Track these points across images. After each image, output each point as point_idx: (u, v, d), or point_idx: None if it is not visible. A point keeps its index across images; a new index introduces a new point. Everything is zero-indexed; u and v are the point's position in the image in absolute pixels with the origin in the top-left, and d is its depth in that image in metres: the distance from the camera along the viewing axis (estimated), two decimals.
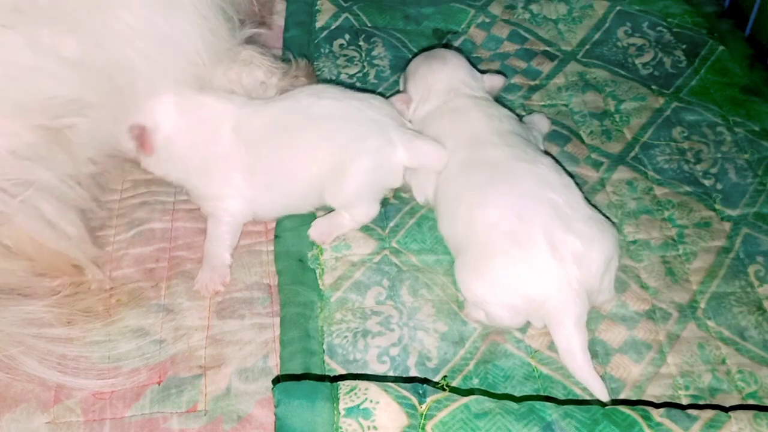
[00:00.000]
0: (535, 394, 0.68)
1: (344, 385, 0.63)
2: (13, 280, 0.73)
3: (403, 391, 0.63)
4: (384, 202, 0.83)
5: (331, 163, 0.78)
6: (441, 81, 0.85)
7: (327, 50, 1.02)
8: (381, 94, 0.93)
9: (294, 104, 0.81)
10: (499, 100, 0.95)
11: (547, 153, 0.82)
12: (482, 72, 0.90)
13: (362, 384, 0.63)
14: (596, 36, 1.05)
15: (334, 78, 0.98)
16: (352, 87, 0.97)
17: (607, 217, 0.76)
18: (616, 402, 0.67)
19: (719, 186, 0.86)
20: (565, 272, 0.67)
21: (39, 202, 0.71)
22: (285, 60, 0.93)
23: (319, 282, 0.77)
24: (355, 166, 0.78)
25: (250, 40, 0.90)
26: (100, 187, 0.81)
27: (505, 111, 0.84)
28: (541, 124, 0.90)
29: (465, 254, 0.73)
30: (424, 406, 0.62)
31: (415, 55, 0.94)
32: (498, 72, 0.96)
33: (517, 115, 0.86)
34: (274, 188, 0.81)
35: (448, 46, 1.03)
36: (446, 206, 0.77)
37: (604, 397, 0.66)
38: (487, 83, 0.89)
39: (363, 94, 0.84)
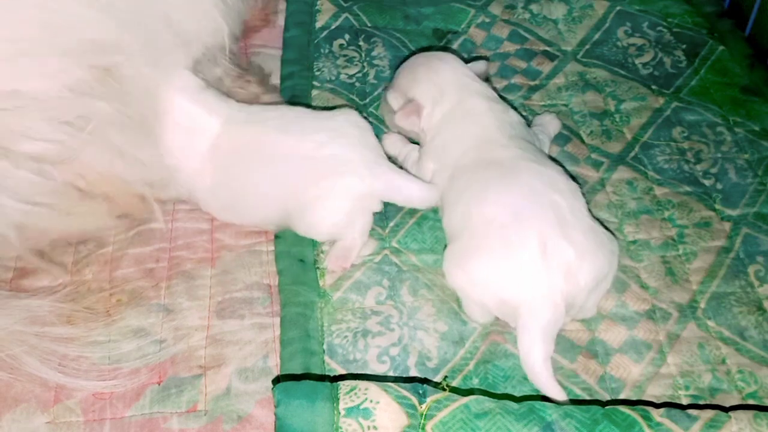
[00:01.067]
0: (535, 394, 0.68)
1: (344, 385, 0.63)
2: (92, 225, 0.75)
3: (403, 391, 0.63)
4: (384, 203, 0.83)
5: (285, 207, 0.77)
6: (449, 80, 0.84)
7: (327, 50, 1.02)
8: (380, 95, 0.93)
9: (263, 136, 0.80)
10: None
11: (554, 160, 0.82)
12: (466, 61, 0.89)
13: (362, 384, 0.63)
14: (596, 36, 1.06)
15: (333, 78, 0.98)
16: (351, 87, 0.97)
17: (612, 233, 0.75)
18: (616, 402, 0.67)
19: (719, 186, 0.86)
20: (548, 281, 0.66)
21: (105, 133, 0.72)
22: (243, 65, 0.96)
23: (320, 282, 0.77)
24: (315, 211, 0.76)
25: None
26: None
27: (517, 117, 0.83)
28: (552, 125, 0.90)
29: (456, 242, 0.73)
30: (424, 406, 0.62)
31: (402, 63, 0.90)
32: (480, 58, 0.95)
33: (521, 114, 0.86)
34: (231, 211, 0.81)
35: (447, 46, 1.04)
36: (449, 201, 0.77)
37: (562, 398, 0.66)
38: (475, 71, 0.87)
39: (340, 118, 0.81)
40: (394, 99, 0.87)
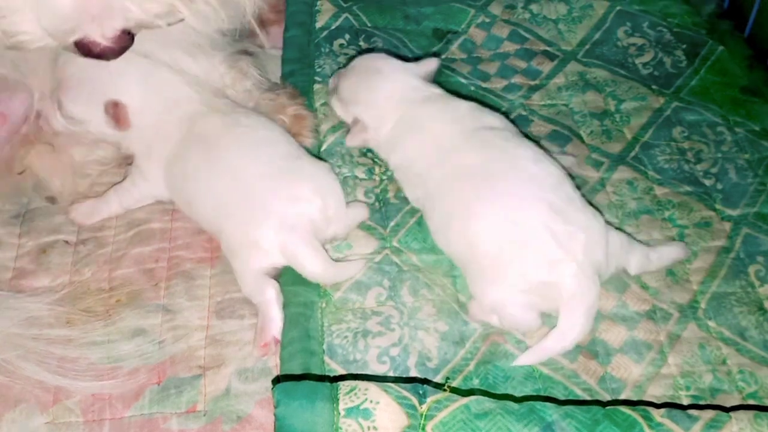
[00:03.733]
0: (535, 394, 0.68)
1: (344, 386, 0.63)
2: None
3: (403, 391, 0.63)
4: (385, 202, 0.83)
5: (217, 222, 0.76)
6: (388, 97, 0.83)
7: (327, 50, 1.02)
8: None
9: (220, 136, 0.79)
10: (500, 100, 0.96)
11: (525, 135, 0.81)
12: (415, 59, 0.88)
13: (362, 384, 0.63)
14: (596, 36, 1.05)
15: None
16: None
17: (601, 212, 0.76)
18: (616, 402, 0.67)
19: (719, 186, 0.86)
20: (575, 259, 0.68)
21: None
22: (275, 80, 0.97)
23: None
24: (234, 255, 0.75)
25: (244, 51, 0.94)
26: None
27: (464, 104, 0.82)
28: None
29: (474, 269, 0.72)
30: (424, 406, 0.62)
31: (344, 68, 0.90)
32: (434, 55, 0.94)
33: (520, 115, 0.86)
34: (183, 202, 0.81)
35: (447, 46, 1.03)
36: (438, 224, 0.76)
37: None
38: (422, 71, 0.86)
39: (313, 170, 0.78)
40: (339, 109, 0.88)
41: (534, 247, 0.68)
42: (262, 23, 1.04)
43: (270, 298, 0.73)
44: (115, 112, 0.80)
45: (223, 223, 0.76)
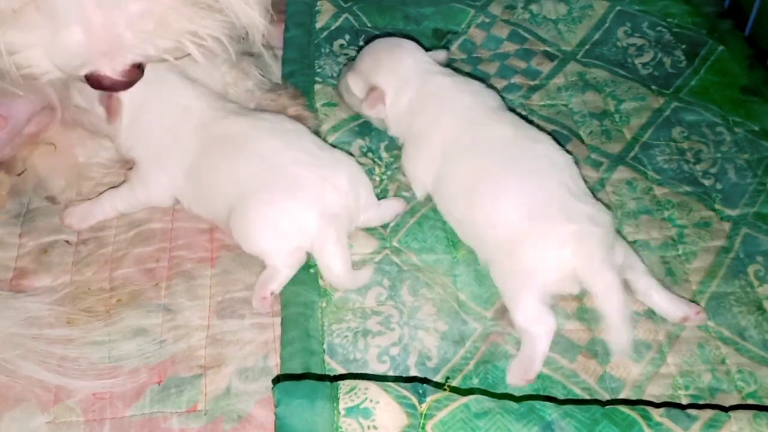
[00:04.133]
0: (534, 393, 0.68)
1: (344, 385, 0.63)
2: None
3: (403, 390, 0.63)
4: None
5: (231, 202, 0.76)
6: (410, 66, 0.85)
7: (327, 50, 1.02)
8: None
9: (252, 130, 0.79)
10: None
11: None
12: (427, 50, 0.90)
13: (362, 384, 0.63)
14: (596, 36, 1.06)
15: (335, 74, 0.98)
16: None
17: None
18: (615, 402, 0.67)
19: (719, 186, 0.86)
20: (586, 230, 0.69)
21: None
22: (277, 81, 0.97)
23: (320, 282, 0.77)
24: (251, 217, 0.75)
25: (246, 52, 0.94)
26: None
27: (479, 84, 0.85)
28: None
29: (491, 243, 0.74)
30: (424, 405, 0.62)
31: (364, 48, 0.92)
32: (442, 47, 0.96)
33: (519, 115, 0.86)
34: (200, 197, 0.81)
35: (447, 45, 1.04)
36: (456, 196, 0.77)
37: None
38: (433, 58, 0.89)
39: (341, 157, 0.80)
40: (355, 84, 0.89)
41: (549, 225, 0.70)
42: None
43: (286, 262, 0.75)
44: (109, 104, 0.80)
45: (256, 196, 0.75)
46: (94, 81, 0.61)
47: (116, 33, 0.58)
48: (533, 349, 0.69)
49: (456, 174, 0.78)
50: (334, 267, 0.74)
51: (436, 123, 0.81)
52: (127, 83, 0.62)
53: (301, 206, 0.74)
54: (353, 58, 0.93)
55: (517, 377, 0.68)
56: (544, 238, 0.70)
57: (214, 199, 0.79)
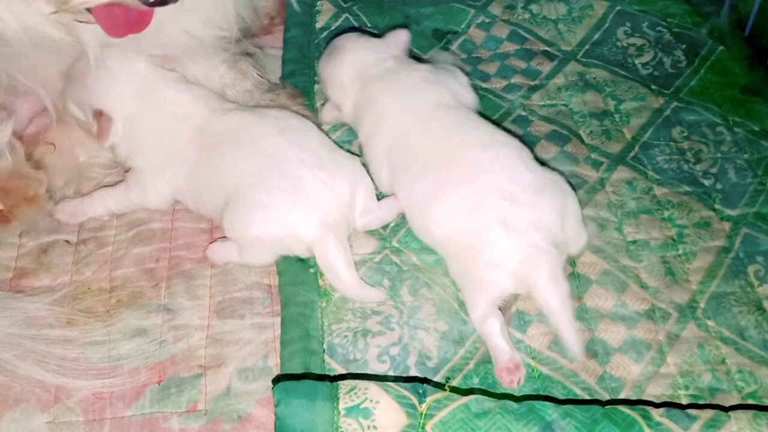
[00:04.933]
0: (534, 393, 0.68)
1: (344, 385, 0.63)
2: None
3: (403, 390, 0.63)
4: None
5: (228, 194, 0.76)
6: (346, 74, 0.86)
7: None
8: None
9: (257, 126, 0.79)
10: (500, 100, 0.96)
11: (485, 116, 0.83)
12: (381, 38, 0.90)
13: (362, 383, 0.63)
14: (596, 36, 1.06)
15: None
16: None
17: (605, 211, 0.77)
18: (615, 402, 0.67)
19: (719, 186, 0.86)
20: (525, 240, 0.69)
21: None
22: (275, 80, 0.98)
23: (320, 282, 0.77)
24: (246, 212, 0.75)
25: (245, 52, 0.95)
26: None
27: (416, 74, 0.84)
28: (445, 57, 0.92)
29: (454, 259, 0.74)
30: (424, 405, 0.62)
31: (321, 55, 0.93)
32: (403, 26, 0.94)
33: (519, 115, 0.86)
34: (200, 193, 0.80)
35: (447, 46, 1.04)
36: (408, 205, 0.78)
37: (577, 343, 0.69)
38: (392, 43, 0.89)
39: (345, 160, 0.79)
40: (323, 90, 0.92)
41: (486, 238, 0.70)
42: (266, 27, 1.05)
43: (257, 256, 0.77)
44: (99, 123, 0.79)
45: (253, 192, 0.74)
46: None
47: None
48: (491, 346, 0.70)
49: (401, 183, 0.78)
50: (341, 273, 0.73)
51: (374, 131, 0.81)
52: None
53: (301, 214, 0.74)
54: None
55: (504, 378, 0.69)
56: (490, 248, 0.70)
57: (214, 192, 0.78)
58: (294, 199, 0.74)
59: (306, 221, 0.73)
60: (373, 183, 0.81)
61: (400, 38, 0.89)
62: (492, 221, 0.70)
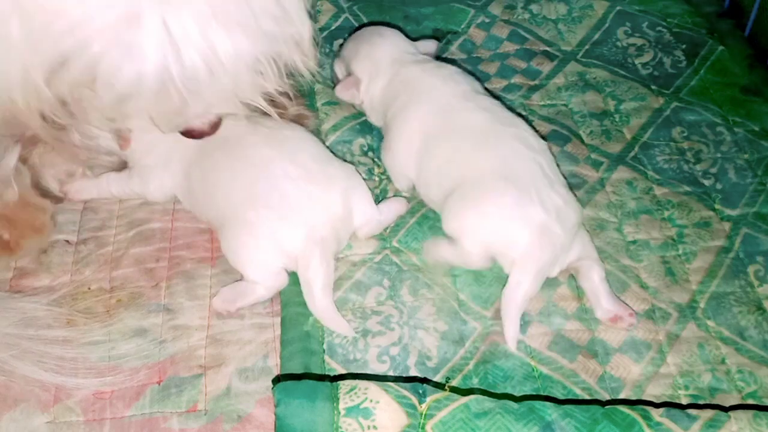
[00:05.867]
0: (534, 393, 0.68)
1: (344, 385, 0.63)
2: None
3: (403, 390, 0.63)
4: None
5: (223, 212, 0.76)
6: (385, 54, 0.87)
7: (327, 50, 1.02)
8: None
9: (239, 135, 0.78)
10: (500, 100, 0.96)
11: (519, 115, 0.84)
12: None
13: (362, 383, 0.63)
14: (596, 36, 1.06)
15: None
16: None
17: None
18: (615, 402, 0.67)
19: (719, 186, 0.86)
20: (548, 221, 0.70)
21: None
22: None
23: None
24: (236, 233, 0.74)
25: None
26: None
27: (452, 68, 0.86)
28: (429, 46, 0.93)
29: (460, 188, 0.75)
30: (424, 405, 0.62)
31: (346, 39, 0.95)
32: (432, 38, 0.97)
33: (519, 115, 0.86)
34: (196, 202, 0.81)
35: (447, 46, 1.04)
36: (434, 184, 0.78)
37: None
38: (421, 50, 0.91)
39: (341, 173, 0.78)
40: (339, 69, 0.93)
41: (520, 192, 0.71)
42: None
43: (266, 283, 0.75)
44: (120, 134, 0.80)
45: (243, 212, 0.74)
46: (187, 133, 0.73)
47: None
48: None
49: (432, 162, 0.78)
50: (315, 292, 0.72)
51: (409, 112, 0.81)
52: (212, 131, 0.73)
53: (287, 229, 0.73)
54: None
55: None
56: (514, 199, 0.71)
57: (208, 206, 0.79)
58: (280, 216, 0.73)
59: (293, 236, 0.73)
60: (379, 181, 0.80)
61: (430, 47, 0.92)
62: (529, 185, 0.72)
